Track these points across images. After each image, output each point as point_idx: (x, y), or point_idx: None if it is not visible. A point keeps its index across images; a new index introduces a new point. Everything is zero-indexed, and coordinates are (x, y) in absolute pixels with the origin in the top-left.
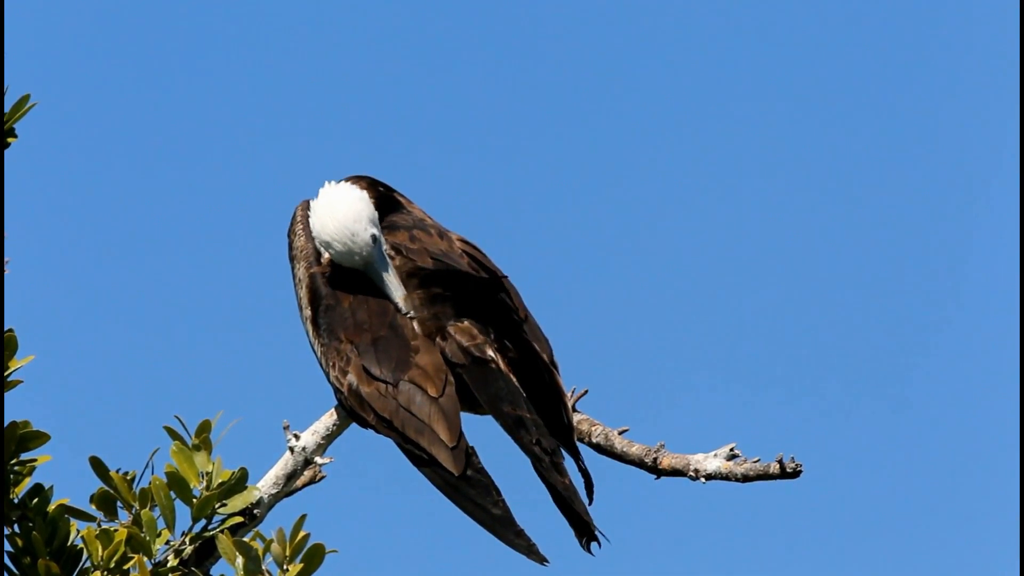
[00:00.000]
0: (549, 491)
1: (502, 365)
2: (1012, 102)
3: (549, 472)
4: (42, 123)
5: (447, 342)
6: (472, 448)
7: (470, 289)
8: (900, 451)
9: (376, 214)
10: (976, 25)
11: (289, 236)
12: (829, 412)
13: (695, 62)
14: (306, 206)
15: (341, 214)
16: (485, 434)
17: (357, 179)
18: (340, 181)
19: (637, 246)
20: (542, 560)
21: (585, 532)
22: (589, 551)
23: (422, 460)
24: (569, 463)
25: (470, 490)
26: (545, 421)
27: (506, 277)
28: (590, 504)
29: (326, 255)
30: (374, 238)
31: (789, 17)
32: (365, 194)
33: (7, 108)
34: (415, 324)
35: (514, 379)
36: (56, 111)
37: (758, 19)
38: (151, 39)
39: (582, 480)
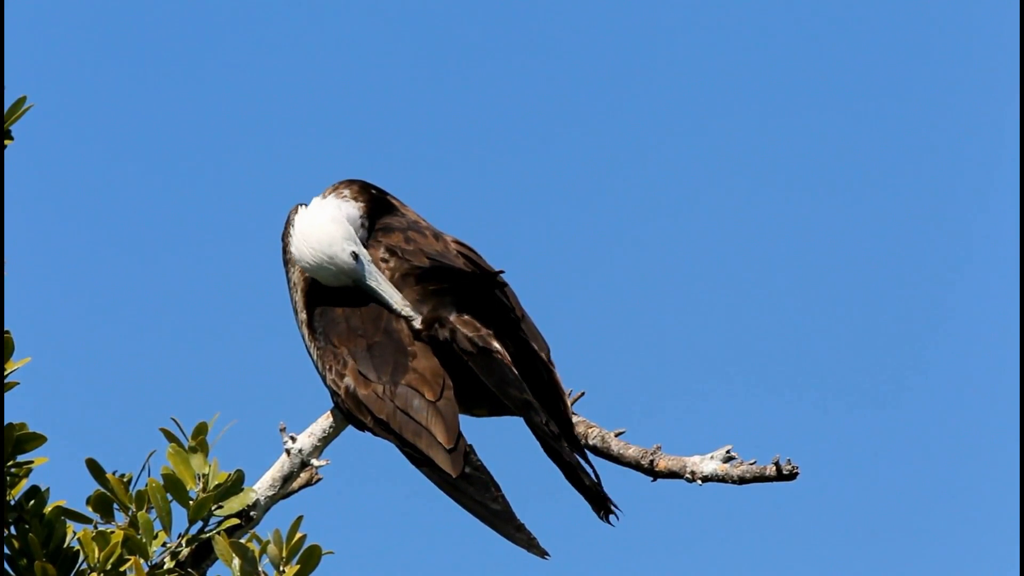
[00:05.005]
0: (561, 469)
1: (506, 358)
2: (1012, 102)
3: (561, 449)
4: (39, 125)
5: (451, 331)
6: (470, 446)
7: (467, 287)
8: (897, 453)
9: (352, 230)
10: (976, 25)
11: (284, 240)
12: (826, 414)
13: (695, 61)
14: None
15: (315, 240)
16: (484, 430)
17: (348, 184)
18: (330, 186)
19: (633, 247)
20: (543, 554)
21: (602, 505)
22: (608, 522)
23: (420, 461)
24: None
25: (469, 487)
26: None
27: (502, 272)
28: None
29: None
30: (354, 255)
31: (789, 17)
32: (338, 211)
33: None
34: (415, 324)
35: (516, 372)
36: (53, 112)
37: (758, 19)
38: (149, 40)
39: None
